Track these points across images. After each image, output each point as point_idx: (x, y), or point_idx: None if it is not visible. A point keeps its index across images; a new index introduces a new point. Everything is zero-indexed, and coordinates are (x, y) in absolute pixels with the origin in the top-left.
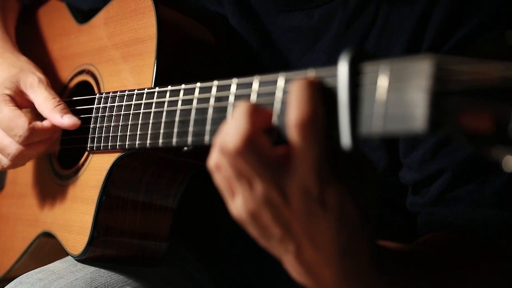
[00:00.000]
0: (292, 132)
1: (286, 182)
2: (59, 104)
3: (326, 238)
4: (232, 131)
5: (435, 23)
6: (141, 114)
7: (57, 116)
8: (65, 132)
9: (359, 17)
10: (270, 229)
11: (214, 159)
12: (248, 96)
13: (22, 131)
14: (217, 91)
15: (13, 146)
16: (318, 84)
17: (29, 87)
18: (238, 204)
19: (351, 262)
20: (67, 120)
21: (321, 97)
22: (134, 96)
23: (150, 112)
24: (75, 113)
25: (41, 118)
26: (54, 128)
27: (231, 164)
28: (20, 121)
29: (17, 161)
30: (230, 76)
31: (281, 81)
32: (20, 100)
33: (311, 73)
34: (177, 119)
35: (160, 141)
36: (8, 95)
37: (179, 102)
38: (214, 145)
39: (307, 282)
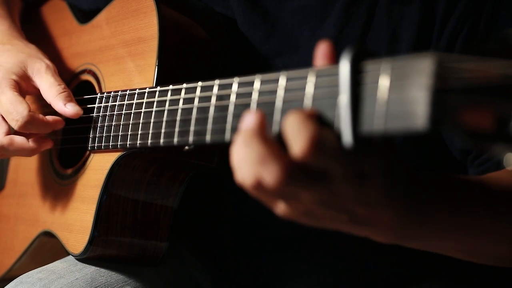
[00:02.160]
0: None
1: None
2: (64, 92)
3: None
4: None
5: None
6: (142, 113)
7: (60, 103)
8: (66, 131)
9: None
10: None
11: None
12: (250, 94)
13: (21, 117)
14: (218, 89)
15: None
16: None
17: (36, 72)
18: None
19: (397, 195)
20: (70, 109)
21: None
22: (136, 95)
23: (152, 111)
24: None
25: (48, 106)
26: (55, 123)
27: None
28: (21, 107)
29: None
30: (234, 74)
31: (282, 79)
32: (26, 85)
33: (312, 73)
34: (178, 118)
35: (162, 140)
36: (14, 80)
37: (181, 101)
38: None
39: (368, 233)
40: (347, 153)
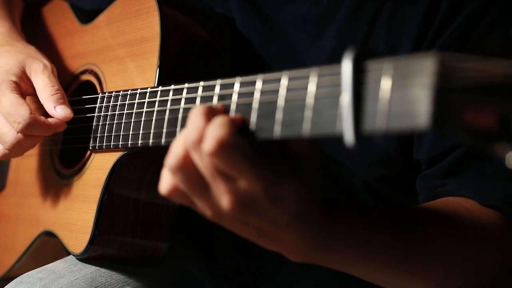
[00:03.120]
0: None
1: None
2: (57, 93)
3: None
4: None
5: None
6: (144, 113)
7: (50, 105)
8: (67, 131)
9: None
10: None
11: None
12: (252, 94)
13: (22, 119)
14: (220, 89)
15: (11, 134)
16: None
17: (33, 72)
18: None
19: (305, 224)
20: (59, 111)
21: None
22: (137, 95)
23: (153, 110)
24: (77, 112)
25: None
26: (56, 125)
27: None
28: (22, 109)
29: (14, 150)
30: (234, 74)
31: (284, 79)
32: (25, 86)
33: (314, 73)
34: (180, 117)
35: (163, 139)
36: (14, 81)
37: (182, 101)
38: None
39: (274, 248)
40: (262, 168)
